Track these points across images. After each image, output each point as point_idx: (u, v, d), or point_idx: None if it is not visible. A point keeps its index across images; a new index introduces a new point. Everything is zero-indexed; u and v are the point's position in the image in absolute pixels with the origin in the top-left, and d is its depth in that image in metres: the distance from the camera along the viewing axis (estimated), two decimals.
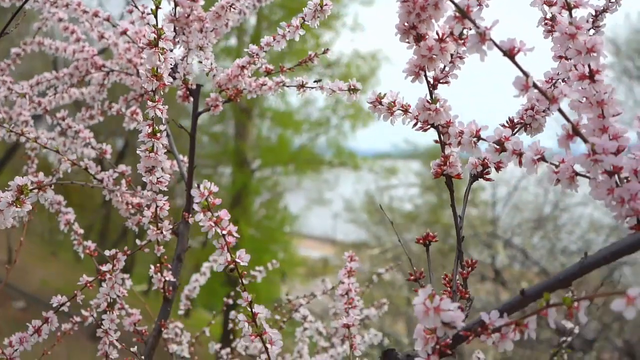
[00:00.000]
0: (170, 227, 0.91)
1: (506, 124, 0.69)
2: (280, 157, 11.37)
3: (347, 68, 10.40)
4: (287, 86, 0.98)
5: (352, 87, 0.86)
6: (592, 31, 0.72)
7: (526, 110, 0.69)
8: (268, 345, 0.65)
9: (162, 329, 1.00)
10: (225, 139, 11.79)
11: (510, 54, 0.51)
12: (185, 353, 1.32)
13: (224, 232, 0.63)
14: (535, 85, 0.51)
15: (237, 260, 0.64)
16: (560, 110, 0.52)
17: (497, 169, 0.68)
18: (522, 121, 0.69)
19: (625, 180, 0.53)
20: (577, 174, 0.55)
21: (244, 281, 0.65)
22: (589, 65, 0.54)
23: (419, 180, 10.89)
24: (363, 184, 11.39)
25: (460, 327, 0.52)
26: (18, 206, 0.68)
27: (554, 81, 0.69)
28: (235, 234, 0.64)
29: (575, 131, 0.52)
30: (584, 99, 0.55)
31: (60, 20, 1.19)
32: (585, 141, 0.52)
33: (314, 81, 0.95)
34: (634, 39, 9.34)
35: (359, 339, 1.33)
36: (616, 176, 0.53)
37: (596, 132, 0.54)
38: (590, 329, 6.30)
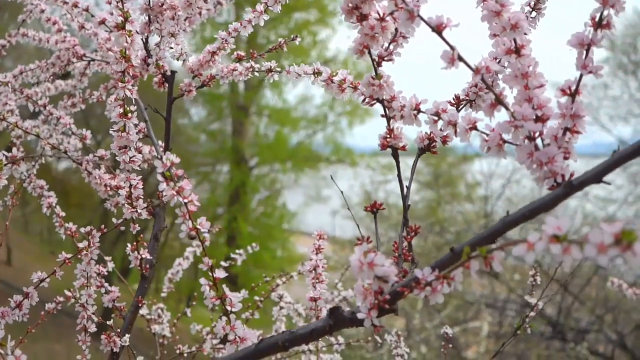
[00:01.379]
0: (145, 205, 0.96)
1: (452, 101, 0.74)
2: (278, 154, 11.42)
3: (344, 65, 10.44)
4: (257, 71, 1.03)
5: (316, 70, 0.90)
6: (533, 13, 0.77)
7: (471, 87, 0.73)
8: (228, 307, 0.70)
9: (140, 305, 1.04)
10: (222, 137, 11.85)
11: (438, 29, 0.56)
12: (167, 332, 1.37)
13: (186, 200, 0.68)
14: (460, 58, 0.56)
15: (198, 227, 0.69)
16: (484, 81, 0.57)
17: (444, 142, 0.72)
18: (467, 98, 0.73)
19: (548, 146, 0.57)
20: (504, 141, 0.59)
21: (204, 246, 0.70)
22: (514, 40, 0.59)
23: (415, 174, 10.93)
24: (360, 181, 11.44)
25: (393, 280, 0.56)
26: None
27: (497, 60, 0.73)
28: (197, 203, 0.68)
29: (498, 100, 0.57)
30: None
31: (42, 11, 1.23)
32: (507, 109, 0.56)
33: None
34: (628, 34, 9.38)
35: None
36: (540, 142, 0.58)
37: (522, 103, 0.58)
38: (583, 320, 6.36)
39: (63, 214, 1.16)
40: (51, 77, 1.25)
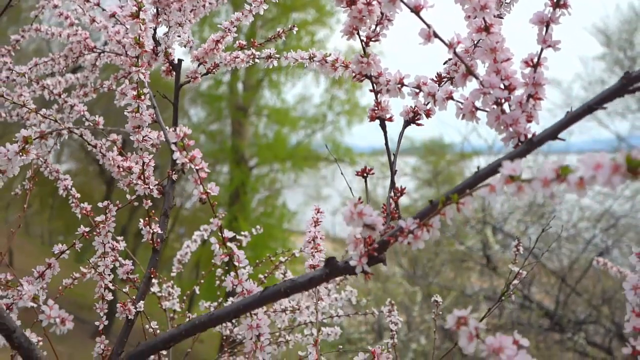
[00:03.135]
0: (156, 182, 1.04)
1: (435, 78, 0.82)
2: (277, 154, 11.51)
3: None
4: (257, 58, 1.11)
5: (312, 55, 0.98)
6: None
7: (451, 65, 0.81)
8: (236, 263, 0.78)
9: (152, 276, 1.12)
10: (222, 138, 11.93)
11: (416, 10, 0.64)
12: (177, 307, 1.46)
13: (197, 167, 0.76)
14: (435, 35, 0.64)
15: (209, 191, 0.77)
16: (456, 54, 0.65)
17: (427, 115, 0.80)
18: (448, 75, 0.81)
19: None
20: (476, 108, 0.67)
21: (214, 209, 0.78)
22: (484, 20, 0.67)
23: (414, 172, 11.04)
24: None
25: (380, 229, 0.64)
26: (23, 154, 0.81)
27: (473, 40, 0.81)
28: (207, 170, 0.77)
29: (469, 71, 0.65)
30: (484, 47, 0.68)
31: (55, 6, 1.32)
32: (477, 79, 0.65)
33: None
34: (624, 30, 9.46)
35: (334, 297, 1.46)
36: (507, 107, 0.66)
37: (491, 74, 0.67)
38: (580, 312, 6.45)
39: (78, 195, 1.24)
40: (64, 69, 1.34)
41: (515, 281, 1.18)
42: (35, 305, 0.76)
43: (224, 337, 1.48)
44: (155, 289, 1.43)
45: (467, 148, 9.62)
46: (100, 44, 1.49)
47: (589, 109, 0.59)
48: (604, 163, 0.41)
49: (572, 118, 0.60)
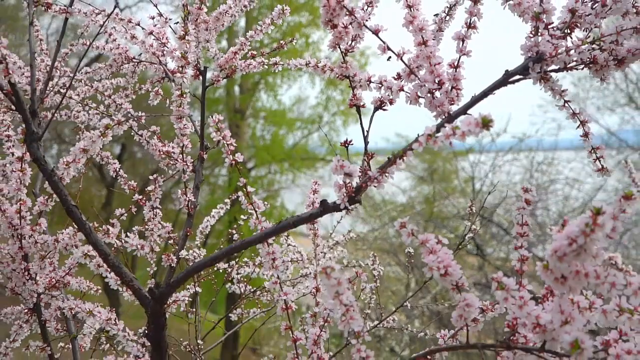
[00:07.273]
0: (192, 160, 1.37)
1: (395, 76, 1.15)
2: (274, 155, 11.82)
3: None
4: (267, 65, 1.45)
5: (307, 62, 1.32)
6: (447, 17, 1.19)
7: (404, 69, 1.14)
8: (257, 209, 1.12)
9: (188, 234, 1.45)
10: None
11: (375, 32, 0.97)
12: None
13: (228, 142, 1.09)
14: (388, 48, 0.97)
15: (237, 158, 1.10)
16: (402, 60, 0.99)
17: (390, 103, 1.13)
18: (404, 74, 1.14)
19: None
20: (419, 96, 1.01)
21: (240, 171, 1.11)
22: (422, 37, 1.00)
23: (409, 169, 11.39)
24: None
25: (357, 176, 0.98)
26: (104, 137, 1.14)
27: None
28: (234, 144, 1.10)
29: (411, 71, 0.99)
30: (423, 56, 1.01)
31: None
32: (416, 76, 0.98)
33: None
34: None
35: (329, 257, 1.78)
36: (438, 94, 1.00)
37: (427, 73, 1.00)
38: None
39: (125, 175, 1.57)
40: (110, 76, 1.67)
41: (470, 234, 1.51)
42: (118, 242, 1.09)
43: (240, 294, 1.81)
44: (183, 253, 1.76)
45: (460, 146, 9.99)
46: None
47: (484, 94, 0.92)
48: (472, 121, 0.75)
49: (474, 100, 0.93)
